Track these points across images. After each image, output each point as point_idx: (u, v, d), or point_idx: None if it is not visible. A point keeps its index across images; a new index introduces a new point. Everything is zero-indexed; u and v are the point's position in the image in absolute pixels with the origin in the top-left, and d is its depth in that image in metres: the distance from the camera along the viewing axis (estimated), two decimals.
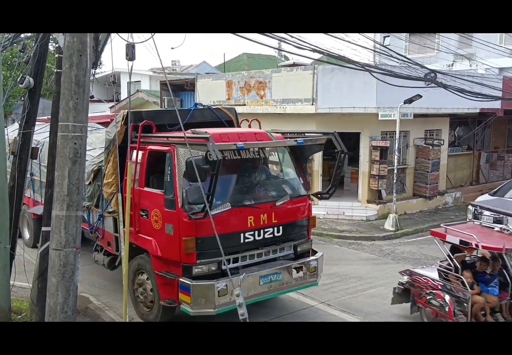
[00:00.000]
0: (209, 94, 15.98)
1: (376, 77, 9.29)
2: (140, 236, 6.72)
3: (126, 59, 4.52)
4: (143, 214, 6.66)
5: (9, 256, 5.85)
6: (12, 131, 10.91)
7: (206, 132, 6.47)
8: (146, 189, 6.70)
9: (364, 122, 13.33)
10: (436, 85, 10.61)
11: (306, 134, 7.36)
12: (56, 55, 5.82)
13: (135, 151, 6.88)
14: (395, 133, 12.88)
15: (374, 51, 13.17)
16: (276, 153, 7.44)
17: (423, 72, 10.39)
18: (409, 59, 10.24)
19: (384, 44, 22.71)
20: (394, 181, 12.70)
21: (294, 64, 16.49)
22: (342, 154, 6.68)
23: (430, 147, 14.34)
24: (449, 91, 10.81)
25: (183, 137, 6.36)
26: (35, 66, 6.44)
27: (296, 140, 6.47)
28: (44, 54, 6.52)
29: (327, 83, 12.90)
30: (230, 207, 6.21)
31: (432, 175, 14.45)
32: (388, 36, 22.88)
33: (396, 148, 12.80)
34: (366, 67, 9.22)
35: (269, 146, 6.84)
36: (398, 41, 20.69)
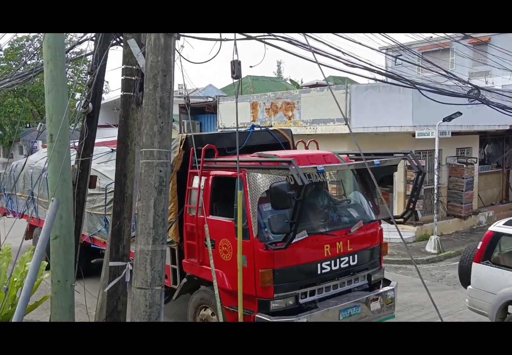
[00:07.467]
0: (232, 116, 15.67)
1: (426, 96, 8.98)
2: (205, 268, 6.24)
3: (232, 77, 4.12)
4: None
5: (74, 294, 5.34)
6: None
7: (275, 155, 6.10)
8: (212, 217, 6.25)
9: (398, 141, 12.99)
10: (479, 102, 10.32)
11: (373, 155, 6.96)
12: (122, 77, 5.43)
13: (195, 178, 6.48)
14: (431, 152, 12.55)
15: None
16: (340, 176, 7.05)
17: (463, 88, 10.11)
18: (453, 75, 9.96)
19: (396, 64, 22.53)
20: (435, 201, 12.30)
21: (317, 85, 16.29)
22: (420, 176, 6.29)
23: (464, 165, 13.99)
24: (492, 108, 10.51)
25: (255, 161, 5.99)
26: (93, 90, 6.07)
27: (373, 162, 6.07)
28: (102, 77, 6.16)
29: (360, 102, 12.62)
30: (307, 235, 5.78)
31: (466, 194, 14.06)
32: (401, 55, 22.82)
33: (436, 167, 12.44)
34: (417, 85, 8.90)
35: (347, 168, 6.45)
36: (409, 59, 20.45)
